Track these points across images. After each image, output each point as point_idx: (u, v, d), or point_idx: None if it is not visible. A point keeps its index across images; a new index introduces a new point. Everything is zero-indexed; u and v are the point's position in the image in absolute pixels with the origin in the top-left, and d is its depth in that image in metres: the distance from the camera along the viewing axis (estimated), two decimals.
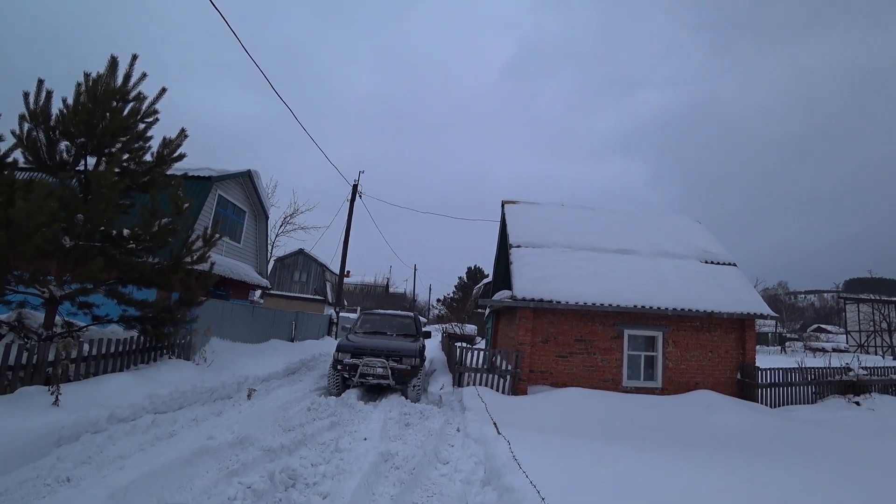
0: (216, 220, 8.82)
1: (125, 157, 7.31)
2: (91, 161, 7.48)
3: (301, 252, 39.66)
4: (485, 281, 36.29)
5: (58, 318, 7.35)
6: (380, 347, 9.87)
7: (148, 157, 8.09)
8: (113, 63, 7.30)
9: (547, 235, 13.16)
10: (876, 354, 33.44)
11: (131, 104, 7.64)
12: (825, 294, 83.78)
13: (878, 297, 36.03)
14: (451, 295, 51.88)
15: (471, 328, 33.59)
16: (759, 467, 6.00)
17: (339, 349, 9.85)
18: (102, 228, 7.43)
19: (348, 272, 24.18)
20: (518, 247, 12.64)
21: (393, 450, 5.99)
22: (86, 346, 6.69)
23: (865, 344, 38.27)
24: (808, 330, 54.06)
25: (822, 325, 55.94)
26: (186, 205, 7.74)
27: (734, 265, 13.36)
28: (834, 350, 36.51)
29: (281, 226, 29.99)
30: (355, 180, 22.63)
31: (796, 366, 12.30)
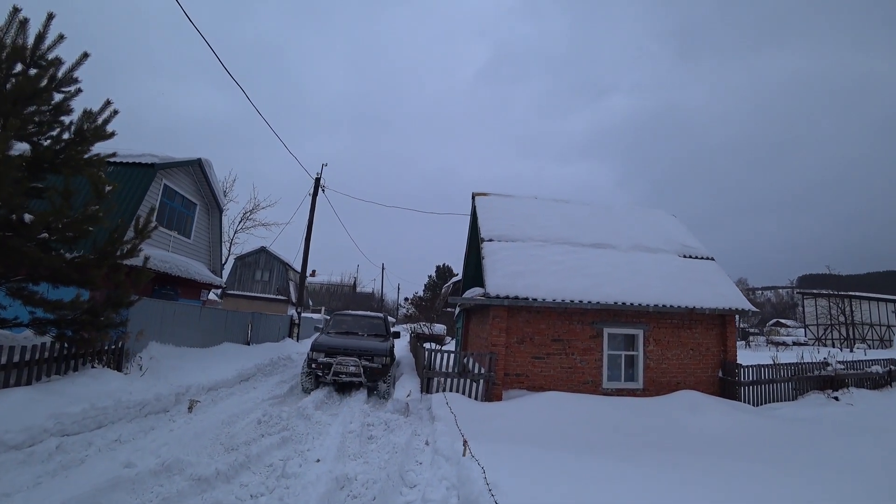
0: (152, 208, 7.69)
1: (31, 129, 6.13)
2: None
3: (263, 250, 37.97)
4: (454, 279, 35.56)
5: None
6: (353, 347, 10.21)
7: (67, 136, 6.95)
8: (17, 17, 6.10)
9: (520, 229, 12.45)
10: (833, 347, 34.47)
11: (43, 69, 6.46)
12: (781, 290, 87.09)
13: (836, 293, 37.16)
14: (420, 294, 50.95)
15: (440, 328, 32.77)
16: (766, 478, 5.43)
17: (313, 348, 10.16)
18: (14, 216, 6.28)
19: (313, 271, 23.01)
20: (490, 241, 11.87)
21: (351, 472, 5.13)
22: None
23: (823, 337, 39.51)
24: (767, 324, 55.63)
25: (780, 320, 57.64)
26: (109, 188, 6.59)
27: (712, 259, 12.99)
28: (795, 343, 37.58)
29: (240, 222, 28.34)
30: (318, 173, 21.47)
31: (772, 362, 12.03)
